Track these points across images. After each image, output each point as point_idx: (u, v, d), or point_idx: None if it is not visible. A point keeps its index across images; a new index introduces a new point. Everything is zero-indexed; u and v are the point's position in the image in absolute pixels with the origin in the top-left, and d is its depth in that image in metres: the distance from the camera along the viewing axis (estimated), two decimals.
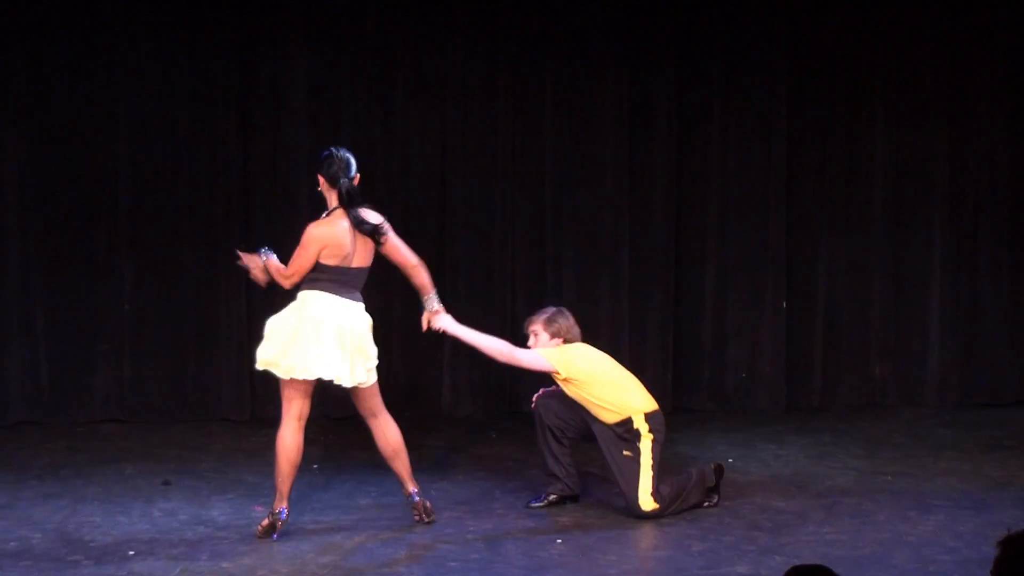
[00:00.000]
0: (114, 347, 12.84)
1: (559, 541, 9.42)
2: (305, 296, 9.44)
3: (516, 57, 13.07)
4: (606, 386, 10.06)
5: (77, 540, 9.58)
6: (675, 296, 13.35)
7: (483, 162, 13.12)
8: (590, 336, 12.91)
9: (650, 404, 10.19)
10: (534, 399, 10.40)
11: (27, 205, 12.74)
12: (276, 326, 9.51)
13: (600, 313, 13.18)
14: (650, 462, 9.98)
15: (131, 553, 9.27)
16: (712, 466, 10.30)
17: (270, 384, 12.72)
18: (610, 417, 10.01)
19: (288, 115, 12.95)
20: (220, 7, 12.77)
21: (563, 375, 9.99)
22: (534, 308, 12.85)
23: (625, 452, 10.00)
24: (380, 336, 12.72)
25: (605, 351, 10.35)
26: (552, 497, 10.23)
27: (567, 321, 10.31)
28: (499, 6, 12.99)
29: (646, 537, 9.57)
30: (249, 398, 12.96)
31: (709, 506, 10.17)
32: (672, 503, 9.95)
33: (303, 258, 9.37)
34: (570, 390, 10.06)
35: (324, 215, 9.52)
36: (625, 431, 9.98)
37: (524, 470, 11.25)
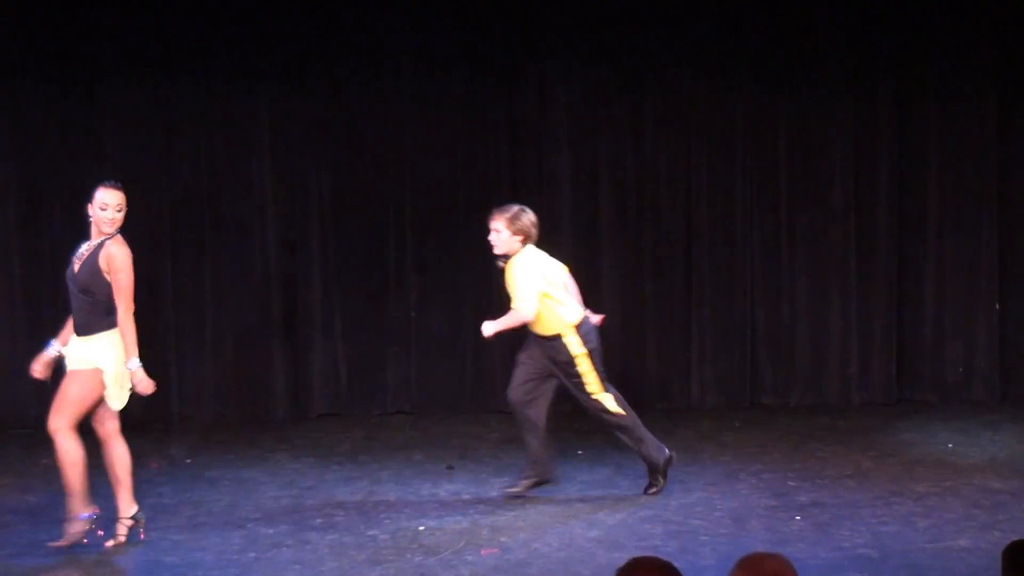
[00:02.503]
0: (402, 348, 12.93)
1: (798, 518, 9.34)
2: None
3: (752, 91, 12.97)
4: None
5: (374, 517, 9.69)
6: (898, 299, 13.15)
7: (724, 183, 13.04)
8: (823, 339, 12.92)
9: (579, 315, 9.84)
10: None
11: (327, 226, 12.85)
12: None
13: (831, 315, 13.05)
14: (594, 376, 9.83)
15: (421, 528, 9.38)
16: (669, 454, 9.98)
17: None
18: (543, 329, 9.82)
19: (550, 140, 12.96)
20: (488, 42, 12.81)
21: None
22: (772, 313, 12.93)
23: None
24: (634, 335, 12.95)
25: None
26: (526, 482, 10.05)
27: (530, 219, 9.83)
28: (734, 48, 12.87)
29: (876, 514, 9.41)
30: None
31: (653, 492, 9.95)
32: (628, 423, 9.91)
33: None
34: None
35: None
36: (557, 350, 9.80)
37: (765, 455, 11.17)
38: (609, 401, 9.90)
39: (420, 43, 12.79)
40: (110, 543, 8.90)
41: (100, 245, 8.84)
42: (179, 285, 12.80)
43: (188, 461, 11.43)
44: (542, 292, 9.72)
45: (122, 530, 9.00)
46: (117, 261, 8.76)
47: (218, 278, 12.85)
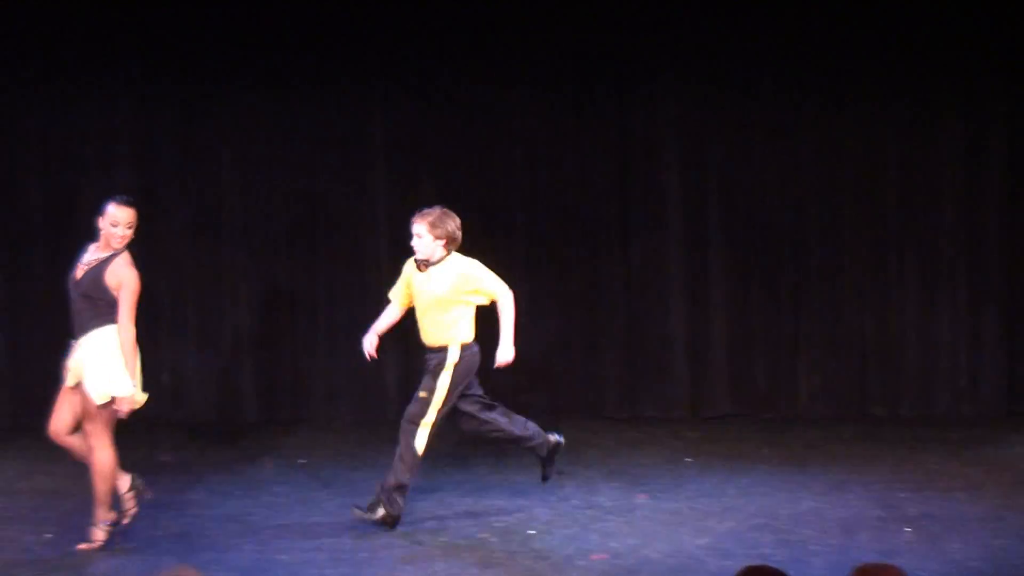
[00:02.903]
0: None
1: (907, 530, 9.24)
2: None
3: (862, 102, 12.88)
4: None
5: (484, 520, 9.72)
6: (1009, 310, 13.00)
7: (833, 194, 12.99)
8: (933, 349, 12.77)
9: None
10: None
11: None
12: None
13: (941, 326, 12.92)
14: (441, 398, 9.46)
15: (531, 532, 9.38)
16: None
17: (639, 386, 12.91)
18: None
19: (659, 152, 12.91)
20: (599, 55, 12.79)
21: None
22: (881, 324, 12.80)
23: (421, 393, 9.54)
24: (742, 344, 12.87)
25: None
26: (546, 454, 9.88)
27: (454, 223, 9.48)
28: (844, 59, 12.81)
29: (987, 528, 9.28)
30: (627, 396, 12.91)
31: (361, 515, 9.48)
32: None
33: None
34: (466, 303, 9.52)
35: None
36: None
37: (874, 466, 11.06)
38: (423, 434, 9.55)
39: (532, 54, 12.83)
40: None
41: (108, 260, 8.87)
42: (294, 287, 12.96)
43: (302, 462, 11.52)
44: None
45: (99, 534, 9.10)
46: (128, 283, 8.82)
47: (331, 281, 12.99)
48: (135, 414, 12.52)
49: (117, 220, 8.88)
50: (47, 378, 12.65)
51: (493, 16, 12.77)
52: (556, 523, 9.64)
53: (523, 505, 10.10)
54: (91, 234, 9.05)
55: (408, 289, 9.60)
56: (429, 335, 9.54)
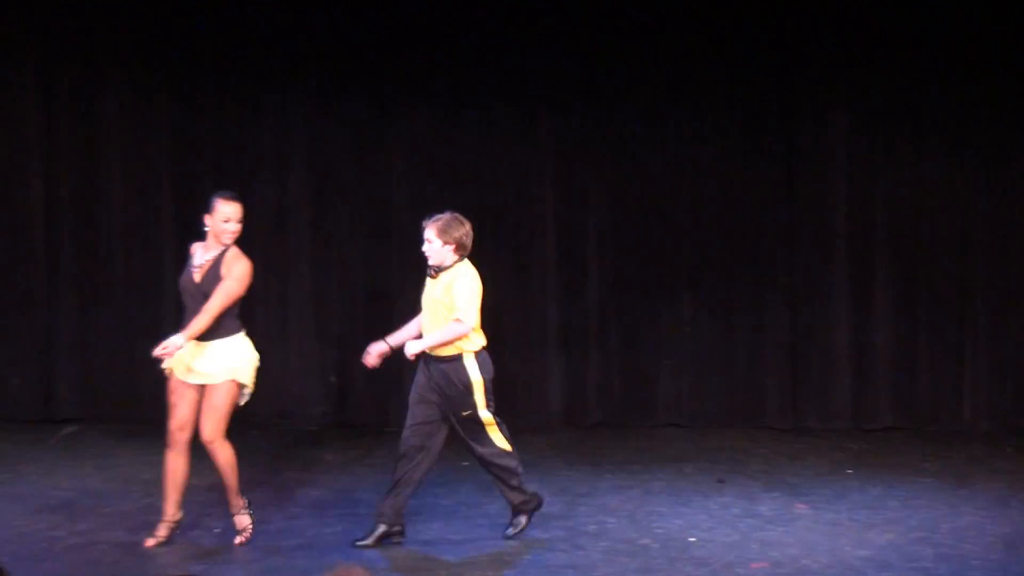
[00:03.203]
0: (676, 363, 12.94)
1: None
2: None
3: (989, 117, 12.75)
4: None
5: (646, 526, 9.71)
6: None
7: (1001, 205, 12.82)
8: None
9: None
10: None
11: (605, 243, 12.92)
12: None
13: None
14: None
15: (691, 540, 9.35)
16: (536, 499, 9.30)
17: (801, 397, 12.82)
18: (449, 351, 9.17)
19: (827, 165, 12.84)
20: (768, 67, 12.75)
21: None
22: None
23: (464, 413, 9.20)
24: (906, 357, 12.77)
25: None
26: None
27: (464, 230, 9.15)
28: (1012, 71, 12.66)
29: None
30: (791, 409, 12.86)
31: (513, 532, 9.31)
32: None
33: None
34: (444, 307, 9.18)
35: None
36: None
37: None
38: (498, 436, 9.36)
39: (699, 66, 12.80)
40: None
41: (222, 255, 8.95)
42: None
43: (465, 464, 11.34)
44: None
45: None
46: (237, 270, 8.88)
47: (499, 289, 12.81)
48: (305, 418, 12.83)
49: (228, 216, 8.97)
50: None
51: (658, 28, 12.78)
52: (717, 531, 9.61)
53: (684, 512, 10.08)
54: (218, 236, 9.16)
55: None
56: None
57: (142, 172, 12.94)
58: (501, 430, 9.35)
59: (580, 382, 13.02)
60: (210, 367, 8.87)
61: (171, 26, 12.85)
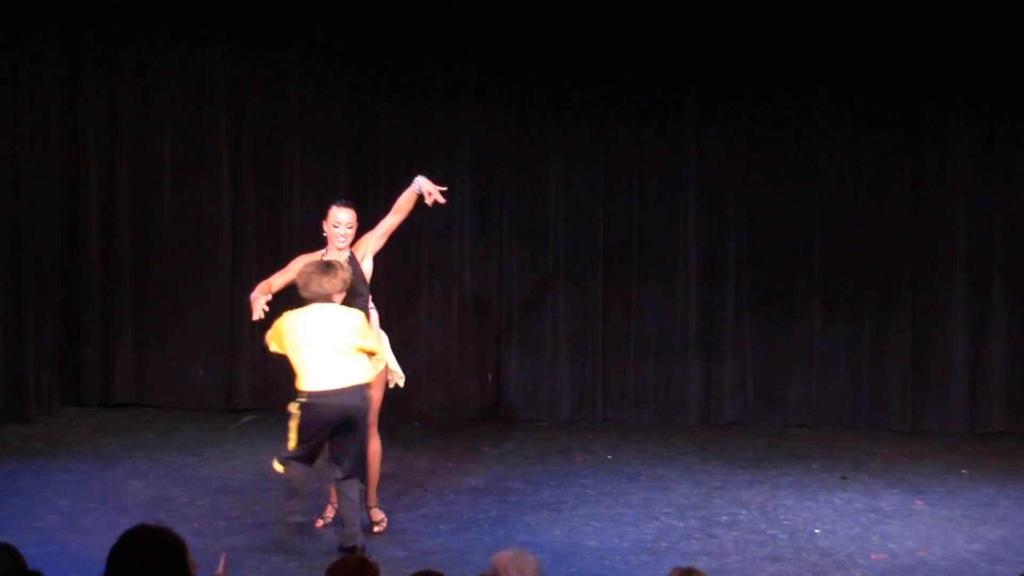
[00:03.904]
0: (805, 367, 12.86)
1: None
2: None
3: None
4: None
5: (774, 517, 9.80)
6: None
7: None
8: None
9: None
10: None
11: (743, 255, 12.89)
12: None
13: None
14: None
15: (816, 531, 9.47)
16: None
17: (920, 402, 12.78)
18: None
19: (949, 187, 12.78)
20: (896, 89, 12.67)
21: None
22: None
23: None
24: (1017, 366, 12.60)
25: None
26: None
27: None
28: None
29: None
30: (910, 412, 12.73)
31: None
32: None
33: None
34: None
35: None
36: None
37: None
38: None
39: (832, 95, 12.78)
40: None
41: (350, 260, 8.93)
42: (609, 301, 13.00)
43: (609, 457, 11.61)
44: None
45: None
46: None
47: (642, 296, 13.00)
48: (464, 411, 13.03)
49: (339, 220, 9.01)
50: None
51: (793, 59, 12.76)
52: (840, 524, 9.64)
53: (810, 506, 10.10)
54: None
55: None
56: None
57: (319, 180, 12.99)
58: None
59: (716, 384, 12.92)
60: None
61: (348, 41, 12.96)
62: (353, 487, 8.63)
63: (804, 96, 12.82)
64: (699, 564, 7.84)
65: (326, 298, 8.58)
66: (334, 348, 8.54)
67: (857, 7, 12.64)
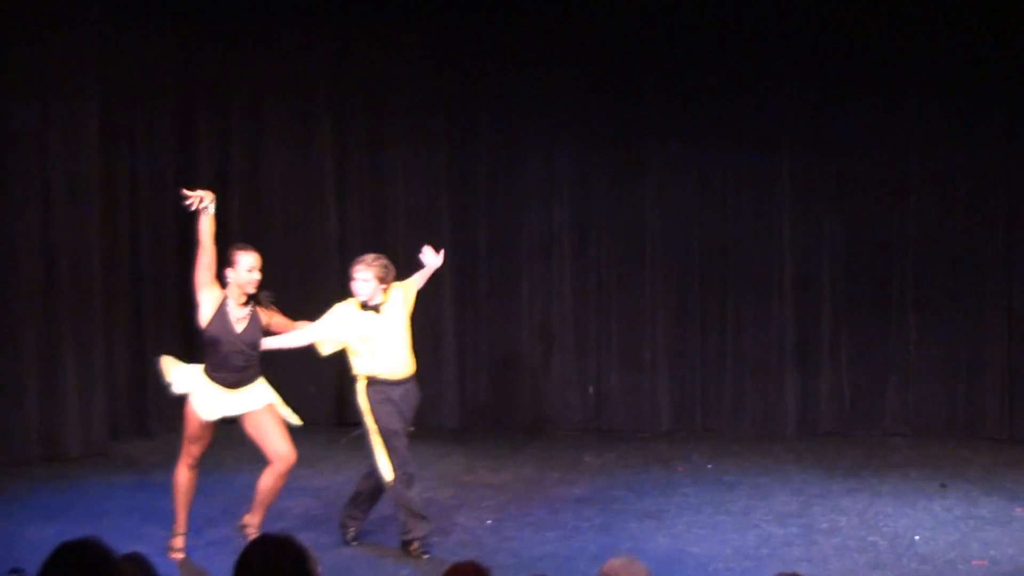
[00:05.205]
0: (901, 378, 12.79)
1: None
2: None
3: None
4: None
5: (874, 524, 9.67)
6: None
7: None
8: None
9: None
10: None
11: (838, 268, 12.85)
12: None
13: None
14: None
15: (916, 538, 9.31)
16: (416, 538, 8.74)
17: (1018, 409, 12.58)
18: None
19: None
20: (987, 121, 12.57)
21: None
22: None
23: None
24: None
25: None
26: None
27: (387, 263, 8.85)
28: None
29: None
30: (1007, 419, 12.60)
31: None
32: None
33: None
34: None
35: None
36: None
37: None
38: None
39: (925, 113, 12.68)
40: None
41: (253, 306, 8.65)
42: (706, 314, 13.04)
43: (709, 467, 11.59)
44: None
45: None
46: (276, 314, 8.75)
47: (739, 308, 13.03)
48: (567, 423, 12.94)
49: (252, 265, 8.62)
50: (495, 384, 13.11)
51: (886, 77, 12.70)
52: (939, 530, 9.53)
53: (909, 513, 10.01)
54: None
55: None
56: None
57: (423, 205, 13.17)
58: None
59: (814, 394, 12.91)
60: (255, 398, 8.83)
61: (450, 68, 13.10)
62: (389, 489, 8.87)
63: (897, 113, 12.73)
64: (801, 570, 7.84)
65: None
66: None
67: (947, 30, 12.54)
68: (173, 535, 8.77)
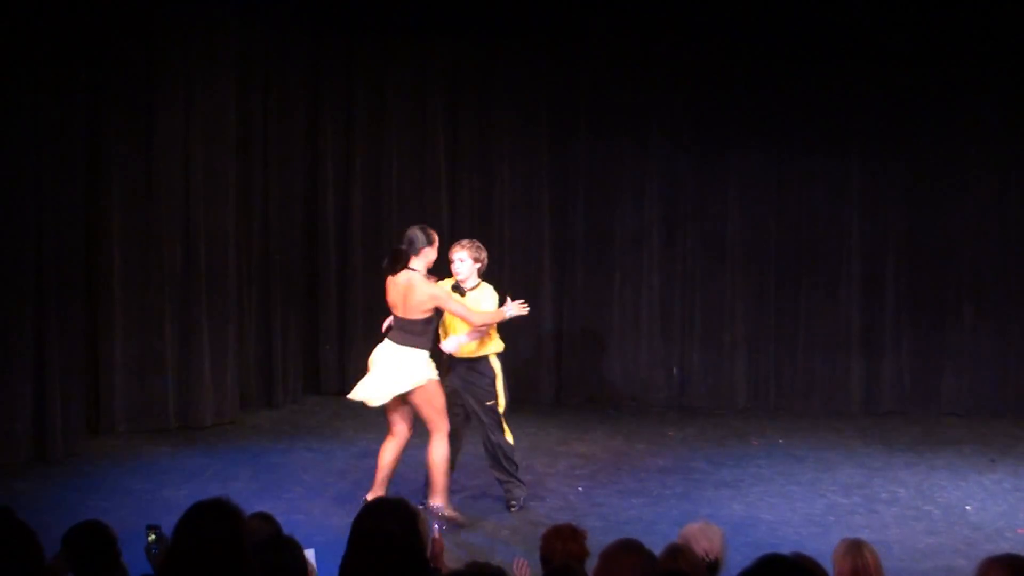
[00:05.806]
0: (957, 362, 12.87)
1: None
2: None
3: None
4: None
5: (929, 495, 9.87)
6: None
7: None
8: None
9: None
10: None
11: (902, 261, 12.88)
12: None
13: None
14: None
15: (968, 508, 9.52)
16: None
17: None
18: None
19: None
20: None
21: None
22: None
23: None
24: None
25: None
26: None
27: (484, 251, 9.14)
28: None
29: None
30: None
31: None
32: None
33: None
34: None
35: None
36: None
37: None
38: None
39: (981, 119, 12.72)
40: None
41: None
42: (781, 303, 13.09)
43: (780, 441, 11.67)
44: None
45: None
46: None
47: (811, 298, 13.03)
48: (653, 400, 13.02)
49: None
50: (588, 364, 13.29)
51: (945, 88, 12.74)
52: (989, 501, 9.74)
53: (962, 485, 10.19)
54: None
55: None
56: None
57: (525, 198, 13.24)
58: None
59: (876, 377, 12.98)
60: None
61: (552, 74, 13.12)
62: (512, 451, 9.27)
63: (958, 122, 12.77)
64: (863, 536, 8.01)
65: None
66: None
67: (1001, 31, 12.54)
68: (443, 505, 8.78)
